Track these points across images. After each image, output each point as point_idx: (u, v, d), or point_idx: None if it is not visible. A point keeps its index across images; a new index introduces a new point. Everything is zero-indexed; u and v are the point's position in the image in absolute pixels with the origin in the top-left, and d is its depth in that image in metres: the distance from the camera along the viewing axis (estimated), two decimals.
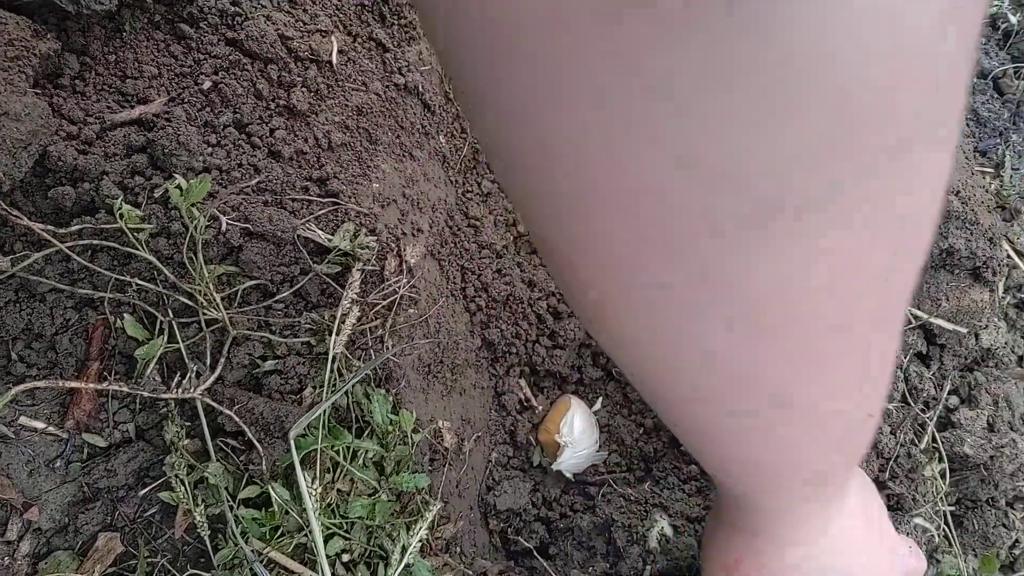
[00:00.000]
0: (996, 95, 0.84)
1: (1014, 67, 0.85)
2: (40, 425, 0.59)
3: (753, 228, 0.20)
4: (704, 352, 0.25)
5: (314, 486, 0.55)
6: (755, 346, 0.25)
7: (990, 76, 0.84)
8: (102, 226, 0.57)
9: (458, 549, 0.68)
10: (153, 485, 0.61)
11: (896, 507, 0.66)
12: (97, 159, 0.56)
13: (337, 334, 0.58)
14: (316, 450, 0.59)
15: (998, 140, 0.81)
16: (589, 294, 0.26)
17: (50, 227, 0.56)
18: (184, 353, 0.60)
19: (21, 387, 0.56)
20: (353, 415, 0.62)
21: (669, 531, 0.66)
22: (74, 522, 0.59)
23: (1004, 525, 0.71)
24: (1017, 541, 0.77)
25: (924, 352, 0.74)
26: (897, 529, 0.65)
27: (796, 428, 0.30)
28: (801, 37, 0.16)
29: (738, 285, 0.22)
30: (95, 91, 0.59)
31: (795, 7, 0.15)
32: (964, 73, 0.20)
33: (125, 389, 0.58)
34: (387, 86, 0.69)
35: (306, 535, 0.59)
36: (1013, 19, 0.86)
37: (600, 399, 0.76)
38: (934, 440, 0.70)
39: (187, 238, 0.58)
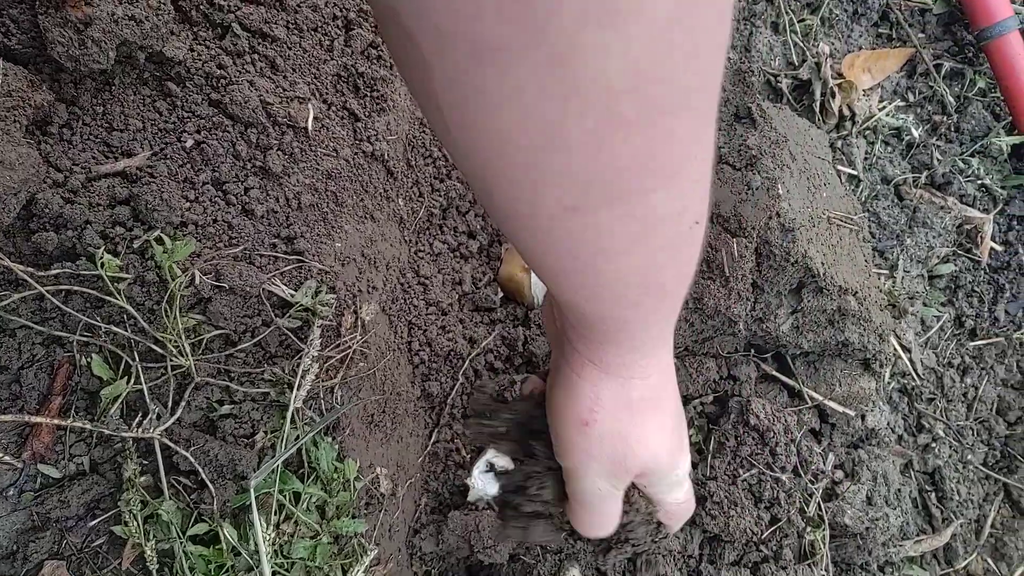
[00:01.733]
0: (897, 200, 1.02)
1: (913, 176, 1.03)
2: None
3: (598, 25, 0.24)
4: (534, 121, 0.29)
5: (268, 531, 0.65)
6: (604, 137, 0.29)
7: (892, 183, 1.02)
8: (81, 272, 0.65)
9: None
10: (103, 516, 0.69)
11: (782, 561, 0.81)
12: (82, 208, 0.65)
13: (298, 389, 0.68)
14: (268, 493, 0.68)
15: (895, 242, 0.98)
16: (436, 93, 0.30)
17: (30, 269, 0.64)
18: (146, 394, 0.68)
19: None
20: (303, 460, 0.72)
21: None
22: (23, 549, 0.67)
23: None
24: None
25: (817, 429, 0.90)
26: None
27: (627, 225, 0.34)
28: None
29: (570, 46, 0.25)
30: (82, 140, 0.67)
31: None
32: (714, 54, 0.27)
33: (88, 426, 0.66)
34: (356, 152, 0.79)
35: (250, 573, 0.69)
36: (915, 132, 1.04)
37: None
38: (820, 510, 0.85)
39: (163, 288, 0.66)
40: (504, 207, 0.35)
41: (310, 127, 0.76)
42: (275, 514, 0.70)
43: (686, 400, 0.88)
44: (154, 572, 0.67)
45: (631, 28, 0.25)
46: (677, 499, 0.57)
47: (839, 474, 0.89)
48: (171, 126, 0.71)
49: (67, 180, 0.66)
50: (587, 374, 0.47)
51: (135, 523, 0.67)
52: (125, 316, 0.68)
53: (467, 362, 0.87)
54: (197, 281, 0.67)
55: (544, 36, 0.25)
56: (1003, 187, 1.05)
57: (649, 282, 0.40)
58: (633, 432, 0.49)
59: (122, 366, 0.69)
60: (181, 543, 0.67)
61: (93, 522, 0.69)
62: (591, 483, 0.52)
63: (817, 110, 0.99)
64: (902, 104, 1.05)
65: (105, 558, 0.69)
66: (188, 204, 0.69)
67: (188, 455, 0.68)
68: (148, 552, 0.67)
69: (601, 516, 0.54)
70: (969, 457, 1.00)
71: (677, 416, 0.52)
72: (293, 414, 0.69)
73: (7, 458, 0.67)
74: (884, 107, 1.03)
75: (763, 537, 0.81)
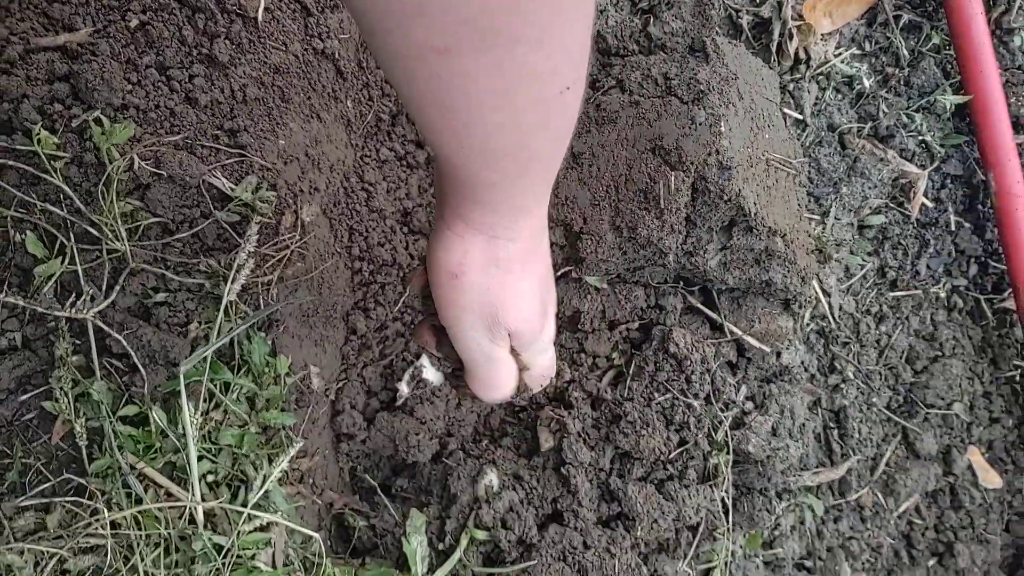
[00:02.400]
0: (840, 148, 1.08)
1: (858, 126, 1.09)
2: None
3: None
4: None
5: (196, 415, 0.69)
6: None
7: (837, 131, 1.07)
8: (16, 147, 0.67)
9: (311, 481, 0.85)
10: (34, 392, 0.72)
11: (686, 480, 0.89)
12: (19, 81, 0.65)
13: (232, 282, 0.71)
14: (198, 381, 0.73)
15: (831, 190, 1.04)
16: None
17: None
18: (81, 276, 0.71)
19: None
20: (235, 352, 0.76)
21: (496, 483, 0.85)
22: None
23: (767, 510, 0.97)
24: (778, 524, 1.04)
25: (733, 361, 0.97)
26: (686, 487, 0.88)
27: (493, 75, 0.37)
28: None
29: None
30: (20, 9, 0.67)
31: None
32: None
33: (21, 302, 0.69)
34: (306, 49, 0.80)
35: (176, 455, 0.73)
36: (867, 83, 1.09)
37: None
38: (727, 436, 0.94)
39: (101, 171, 0.68)
40: (381, 43, 0.37)
41: (260, 17, 0.77)
42: (204, 401, 0.74)
43: (612, 325, 0.94)
44: (83, 448, 0.71)
45: None
46: (543, 365, 0.64)
47: (749, 405, 0.97)
48: (116, 3, 0.71)
49: (3, 50, 0.66)
50: (458, 230, 0.51)
51: (66, 400, 0.71)
52: (61, 196, 0.70)
53: (408, 272, 0.92)
54: (136, 166, 0.69)
55: None
56: (942, 145, 1.11)
57: (516, 144, 0.43)
58: (501, 289, 0.54)
59: (57, 246, 0.71)
60: (111, 422, 0.71)
61: (24, 396, 0.72)
62: (470, 338, 0.57)
63: (773, 50, 1.03)
64: (858, 52, 1.09)
65: (35, 432, 0.73)
66: (130, 87, 0.70)
67: (121, 338, 0.71)
68: (78, 428, 0.71)
69: (489, 374, 0.60)
70: (874, 400, 1.10)
71: (544, 282, 0.57)
72: (227, 306, 0.72)
73: None
74: (840, 54, 1.07)
75: (670, 457, 0.89)
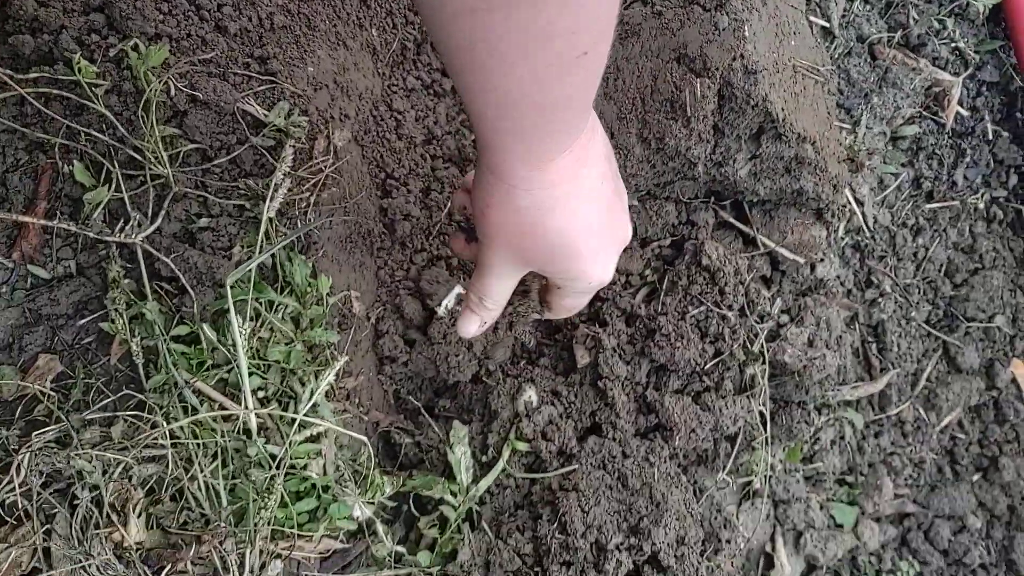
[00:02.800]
0: (870, 59, 1.06)
1: (888, 36, 1.06)
2: None
3: None
4: None
5: (244, 325, 0.72)
6: None
7: (867, 41, 1.05)
8: (58, 77, 0.69)
9: (357, 400, 0.87)
10: (91, 317, 0.76)
11: (723, 391, 0.90)
12: (56, 13, 0.68)
13: (270, 200, 0.74)
14: (244, 301, 0.75)
15: (861, 100, 1.02)
16: None
17: (8, 72, 0.68)
18: (127, 202, 0.74)
19: None
20: (278, 274, 0.78)
21: (535, 399, 0.87)
22: (18, 342, 0.74)
23: (806, 422, 0.97)
24: (817, 439, 1.04)
25: (768, 275, 0.97)
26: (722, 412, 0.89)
27: (515, 33, 0.40)
28: None
29: None
30: None
31: None
32: None
33: (72, 228, 0.72)
34: None
35: (228, 371, 0.76)
36: None
37: None
38: (762, 347, 0.94)
39: (139, 97, 0.71)
40: (424, 3, 0.40)
41: None
42: (251, 320, 0.77)
43: (644, 242, 0.94)
44: (140, 366, 0.75)
45: None
46: (573, 306, 0.68)
47: (784, 318, 0.97)
48: None
49: None
50: (483, 174, 0.55)
51: (121, 320, 0.74)
52: (104, 124, 0.72)
53: (442, 195, 0.93)
54: (172, 92, 0.72)
55: None
56: (976, 51, 1.09)
57: (533, 99, 0.46)
58: (526, 235, 0.57)
59: (103, 174, 0.74)
60: (165, 341, 0.74)
61: (82, 321, 0.76)
62: (494, 254, 0.61)
63: None
64: None
65: (95, 354, 0.76)
66: (161, 16, 0.72)
67: (169, 262, 0.74)
68: (134, 348, 0.74)
69: (491, 287, 0.64)
70: (913, 314, 1.09)
71: (590, 227, 0.59)
72: (267, 226, 0.75)
73: None
74: None
75: (706, 368, 0.90)
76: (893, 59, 1.05)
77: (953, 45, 1.07)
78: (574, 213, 0.57)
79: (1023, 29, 1.08)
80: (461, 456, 0.82)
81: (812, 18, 0.97)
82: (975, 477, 1.12)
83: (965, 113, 1.09)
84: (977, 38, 1.09)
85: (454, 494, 0.80)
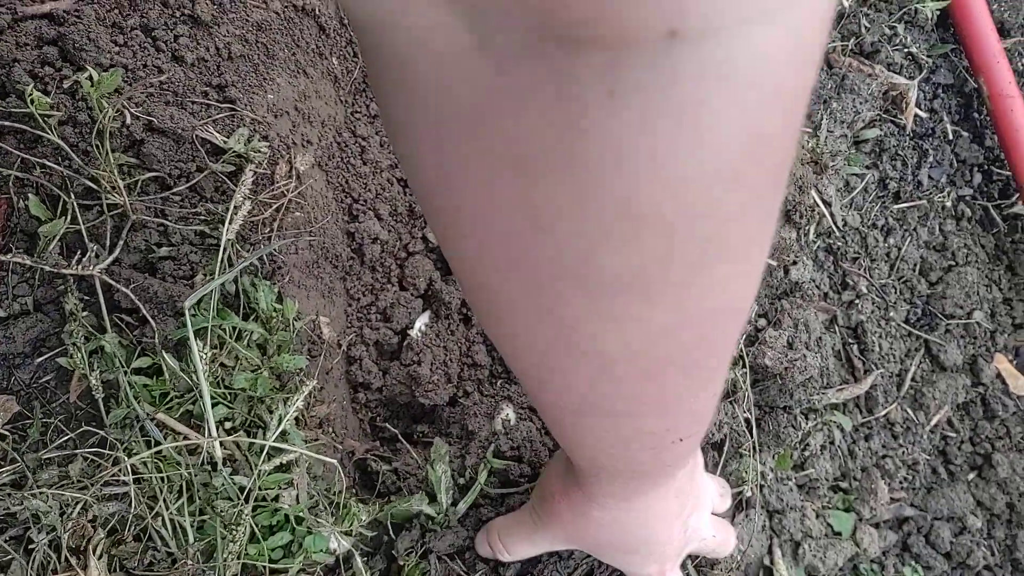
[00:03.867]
0: (826, 67, 1.06)
1: (842, 44, 1.07)
2: None
3: (576, 284, 0.28)
4: (543, 361, 0.35)
5: (205, 351, 0.69)
6: (602, 383, 0.35)
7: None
8: (11, 110, 0.68)
9: (331, 429, 0.84)
10: (49, 354, 0.73)
11: None
12: (9, 47, 0.67)
13: (230, 223, 0.72)
14: (205, 328, 0.73)
15: (821, 106, 1.03)
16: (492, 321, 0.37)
17: None
18: (84, 234, 0.72)
19: None
20: (241, 302, 0.76)
21: (512, 417, 0.84)
22: None
23: (792, 426, 0.94)
24: (807, 444, 1.01)
25: None
26: None
27: (613, 434, 0.42)
28: (634, 187, 0.23)
29: (574, 328, 0.31)
30: None
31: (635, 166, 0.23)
32: (769, 207, 0.28)
33: (28, 262, 0.69)
34: (286, 6, 0.81)
35: (193, 403, 0.73)
36: (846, 3, 1.08)
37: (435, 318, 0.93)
38: (742, 351, 0.92)
39: (94, 127, 0.69)
40: (531, 394, 0.42)
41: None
42: (214, 348, 0.74)
43: None
44: (100, 401, 0.71)
45: (630, 328, 0.30)
46: (706, 543, 0.70)
47: (762, 322, 0.95)
48: None
49: None
50: (561, 473, 0.59)
51: (80, 355, 0.71)
52: (60, 156, 0.71)
53: (411, 222, 0.91)
54: (128, 120, 0.70)
55: (554, 315, 0.30)
56: (929, 55, 1.10)
57: (620, 469, 0.49)
58: (589, 534, 0.61)
59: (60, 206, 0.72)
60: (126, 374, 0.71)
61: (40, 359, 0.73)
62: (543, 535, 0.65)
63: None
64: None
65: (53, 392, 0.73)
66: (117, 48, 0.71)
67: (128, 292, 0.72)
68: (94, 382, 0.71)
69: (522, 551, 0.69)
70: (891, 314, 1.07)
71: (651, 538, 0.61)
72: (228, 248, 0.73)
73: None
74: None
75: None
76: (849, 66, 1.06)
77: (906, 50, 1.08)
78: (643, 525, 0.58)
79: (971, 33, 1.09)
80: (442, 474, 0.78)
81: None
82: (970, 476, 1.08)
83: (924, 115, 1.09)
84: (928, 43, 1.10)
85: (436, 513, 0.76)
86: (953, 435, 1.09)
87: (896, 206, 1.08)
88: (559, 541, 0.66)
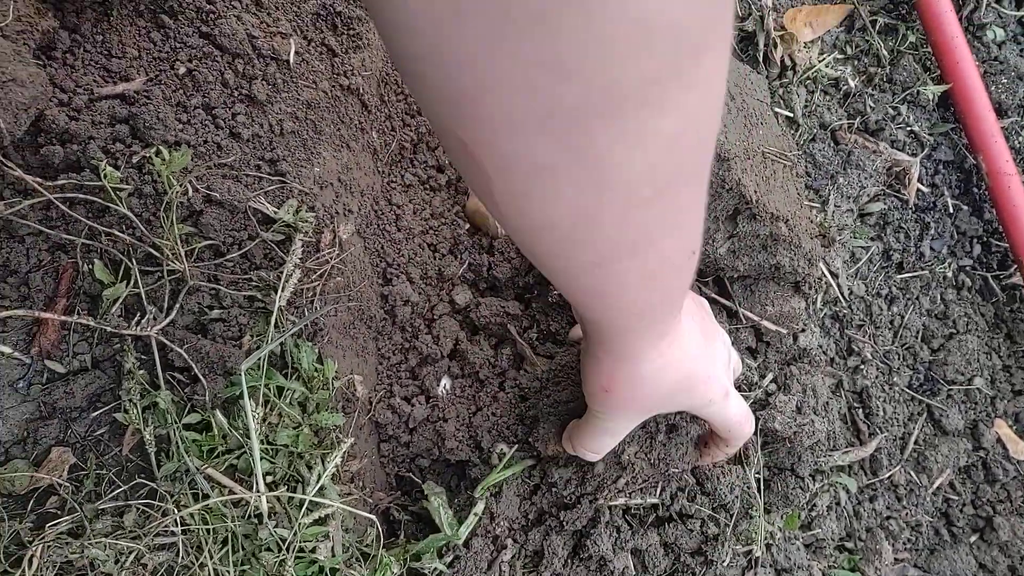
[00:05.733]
0: (833, 144, 1.13)
1: (848, 122, 1.14)
2: (7, 350, 0.75)
3: (603, 117, 0.32)
4: (575, 212, 0.37)
5: (257, 411, 0.74)
6: (632, 213, 0.38)
7: (829, 128, 1.13)
8: (84, 183, 0.74)
9: (361, 483, 0.88)
10: (104, 408, 0.78)
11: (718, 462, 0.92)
12: (85, 125, 0.73)
13: (282, 291, 0.77)
14: (255, 387, 0.78)
15: (828, 181, 1.09)
16: (493, 194, 0.38)
17: (38, 179, 0.72)
18: (144, 297, 0.77)
19: (2, 314, 0.71)
20: (287, 361, 0.81)
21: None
22: (32, 435, 0.75)
23: (800, 488, 0.99)
24: (814, 505, 1.05)
25: (753, 347, 1.01)
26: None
27: (640, 269, 0.44)
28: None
29: (603, 160, 0.34)
30: (83, 65, 0.75)
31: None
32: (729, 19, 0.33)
33: (91, 323, 0.75)
34: (333, 86, 0.88)
35: (238, 457, 0.78)
36: (852, 83, 1.15)
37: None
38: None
39: (158, 199, 0.75)
40: (543, 263, 0.46)
41: (292, 60, 0.84)
42: (261, 406, 0.79)
43: None
44: (152, 455, 0.76)
45: (649, 142, 0.34)
46: (723, 417, 0.74)
47: (772, 387, 1.00)
48: (165, 55, 0.79)
49: (71, 100, 0.74)
50: (601, 358, 0.61)
51: (135, 411, 0.76)
52: (124, 225, 0.76)
53: (439, 284, 0.97)
54: (190, 193, 0.76)
55: (584, 154, 0.34)
56: (930, 133, 1.16)
57: (654, 303, 0.52)
58: (649, 396, 0.64)
59: (121, 271, 0.77)
60: (177, 429, 0.76)
61: (95, 413, 0.78)
62: (618, 421, 0.69)
63: (760, 59, 1.09)
64: (840, 56, 1.16)
65: (107, 445, 0.78)
66: (181, 126, 0.78)
67: (182, 352, 0.77)
68: (147, 437, 0.76)
69: (605, 445, 0.73)
70: (895, 379, 1.12)
71: (699, 363, 0.65)
72: (277, 314, 0.78)
73: (17, 354, 0.76)
74: (824, 59, 1.14)
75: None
76: (854, 143, 1.13)
77: (908, 129, 1.15)
78: (686, 355, 0.63)
79: (970, 113, 1.16)
80: (439, 506, 0.84)
81: (777, 109, 1.05)
82: (972, 539, 1.12)
83: (926, 190, 1.15)
84: (930, 122, 1.17)
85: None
86: (955, 498, 1.13)
87: (899, 276, 1.14)
88: (632, 419, 0.69)
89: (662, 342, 0.59)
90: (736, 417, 0.75)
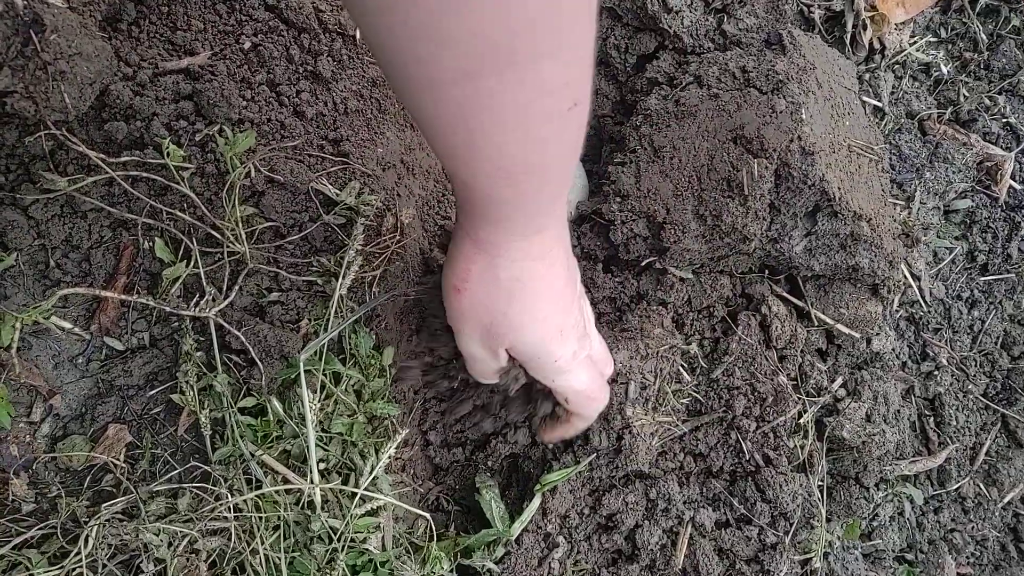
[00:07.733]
0: (920, 135, 1.07)
1: (938, 112, 1.07)
2: (68, 325, 0.75)
3: None
4: (453, 3, 0.34)
5: (314, 402, 0.73)
6: (510, 15, 0.35)
7: (916, 118, 1.06)
8: (147, 160, 0.73)
9: (412, 471, 0.88)
10: (161, 387, 0.78)
11: (780, 468, 0.89)
12: (149, 101, 0.71)
13: (343, 278, 0.76)
14: (310, 373, 0.77)
15: (914, 175, 1.03)
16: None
17: (101, 155, 0.71)
18: (203, 278, 0.76)
19: (64, 291, 0.71)
20: (343, 347, 0.80)
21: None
22: (90, 412, 0.76)
23: (864, 499, 0.96)
24: (876, 515, 1.02)
25: (823, 349, 0.97)
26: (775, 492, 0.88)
27: (513, 94, 0.40)
28: None
29: None
30: (148, 38, 0.74)
31: None
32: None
33: (151, 302, 0.74)
34: None
35: (292, 443, 0.77)
36: (944, 69, 1.08)
37: None
38: (818, 423, 0.93)
39: (223, 181, 0.74)
40: (406, 71, 0.39)
41: (358, 35, 0.82)
42: (318, 392, 0.78)
43: (697, 312, 0.94)
44: (207, 437, 0.76)
45: None
46: (568, 385, 0.67)
47: (841, 392, 0.96)
48: (230, 28, 0.77)
49: (136, 74, 0.72)
50: (464, 247, 0.55)
51: (191, 392, 0.76)
52: (186, 204, 0.75)
53: None
54: (253, 174, 0.75)
55: None
56: None
57: (529, 160, 0.46)
58: (499, 308, 0.57)
59: (182, 250, 0.77)
60: (232, 413, 0.75)
61: (152, 392, 0.78)
62: (466, 342, 0.63)
63: (848, 41, 1.03)
64: (933, 40, 1.09)
65: (163, 424, 0.78)
66: (245, 103, 0.76)
67: (240, 335, 0.76)
68: (203, 419, 0.76)
69: (477, 370, 0.67)
70: (970, 387, 1.07)
71: (557, 304, 0.59)
72: (337, 301, 0.77)
73: (77, 329, 0.76)
74: (915, 42, 1.07)
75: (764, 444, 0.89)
76: (943, 134, 1.06)
77: (1004, 121, 1.08)
78: (550, 287, 0.58)
79: None
80: (491, 500, 0.82)
81: (864, 98, 0.99)
82: None
83: (1018, 187, 1.09)
84: None
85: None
86: None
87: (983, 278, 1.08)
88: (487, 342, 0.62)
89: (527, 242, 0.53)
90: (580, 387, 0.67)
